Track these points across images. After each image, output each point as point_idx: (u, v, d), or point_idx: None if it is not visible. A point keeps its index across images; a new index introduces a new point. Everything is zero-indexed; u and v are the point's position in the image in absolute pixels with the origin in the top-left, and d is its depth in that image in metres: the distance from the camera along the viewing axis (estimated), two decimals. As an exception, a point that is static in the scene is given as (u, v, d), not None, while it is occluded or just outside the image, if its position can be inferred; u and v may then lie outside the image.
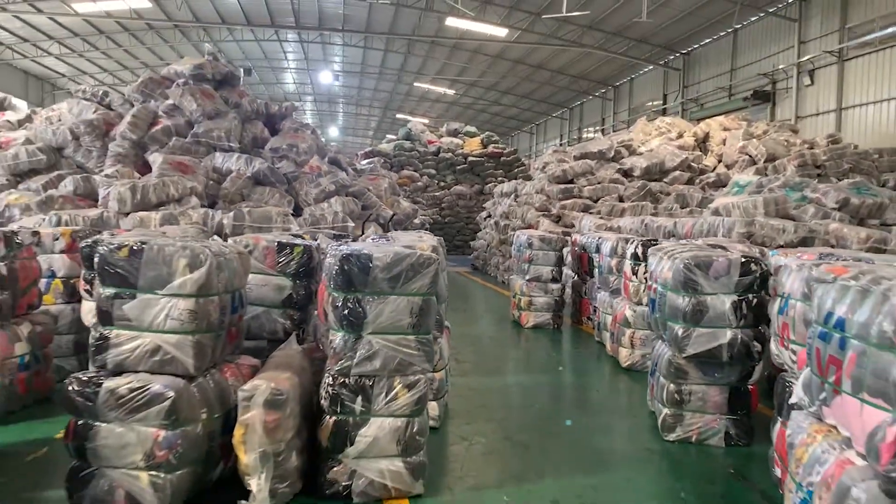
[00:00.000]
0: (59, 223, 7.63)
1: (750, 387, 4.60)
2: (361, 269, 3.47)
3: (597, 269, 8.48)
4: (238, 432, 3.28)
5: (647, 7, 20.71)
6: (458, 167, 26.47)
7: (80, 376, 3.31)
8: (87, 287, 4.91)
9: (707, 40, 25.47)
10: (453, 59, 34.62)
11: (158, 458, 3.21)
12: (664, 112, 28.25)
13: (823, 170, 13.74)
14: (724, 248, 4.76)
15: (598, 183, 14.45)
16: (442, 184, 26.01)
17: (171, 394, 3.20)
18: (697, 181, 14.94)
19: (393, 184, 13.08)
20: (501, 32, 26.32)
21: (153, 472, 3.22)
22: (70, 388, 3.28)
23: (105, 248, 3.35)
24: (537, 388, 6.35)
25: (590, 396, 6.41)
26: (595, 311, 8.54)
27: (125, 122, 10.31)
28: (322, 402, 3.52)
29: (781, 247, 7.58)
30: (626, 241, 7.37)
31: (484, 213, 19.21)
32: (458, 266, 18.36)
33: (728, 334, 4.39)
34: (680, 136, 17.07)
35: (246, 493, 3.30)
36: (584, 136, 37.14)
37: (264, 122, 11.34)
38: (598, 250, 8.47)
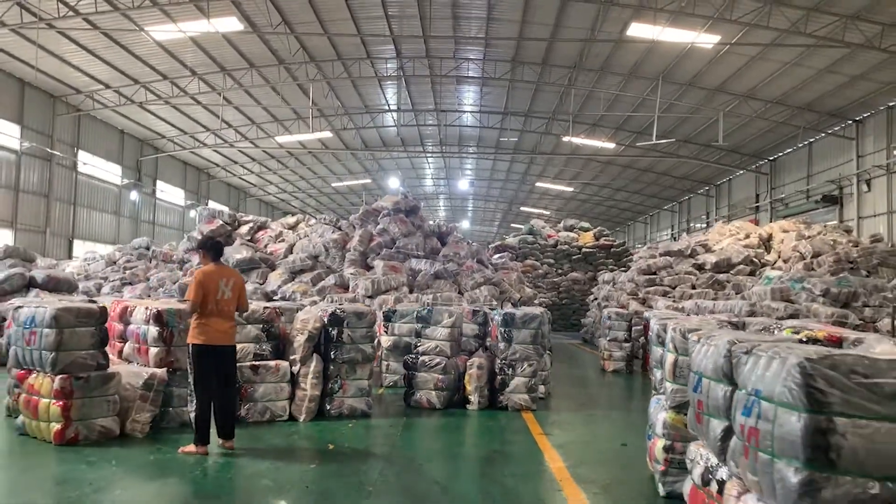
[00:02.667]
0: (331, 302, 13.75)
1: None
2: (512, 318, 8.94)
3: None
4: (467, 378, 8.81)
5: (726, 129, 25.59)
6: (574, 257, 30.46)
7: (413, 355, 8.97)
8: (385, 329, 10.69)
9: (789, 150, 29.52)
10: (570, 165, 40.29)
11: (439, 385, 8.76)
12: (757, 210, 32.21)
13: (856, 264, 17.74)
14: (684, 317, 9.83)
15: (676, 274, 19.26)
16: (559, 271, 30.05)
17: (444, 361, 8.78)
18: (758, 273, 19.33)
19: (520, 275, 18.64)
20: (609, 146, 31.76)
21: (437, 391, 8.76)
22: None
23: (388, 310, 9.10)
24: (604, 393, 11.48)
25: (631, 395, 11.45)
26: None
27: (355, 239, 16.66)
28: (496, 370, 8.96)
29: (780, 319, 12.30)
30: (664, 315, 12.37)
31: (591, 297, 24.12)
32: (572, 339, 23.26)
33: (679, 353, 9.41)
34: (747, 236, 21.52)
35: (467, 404, 8.80)
36: (692, 227, 41.09)
37: (437, 237, 17.40)
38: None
